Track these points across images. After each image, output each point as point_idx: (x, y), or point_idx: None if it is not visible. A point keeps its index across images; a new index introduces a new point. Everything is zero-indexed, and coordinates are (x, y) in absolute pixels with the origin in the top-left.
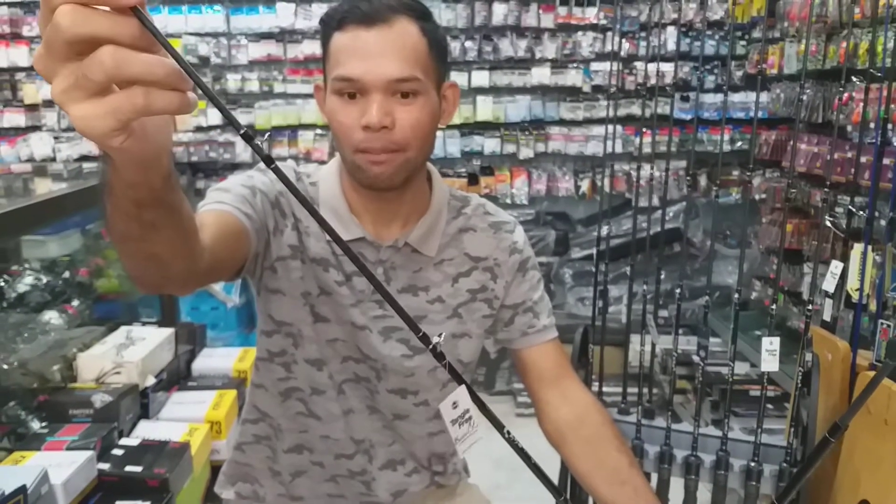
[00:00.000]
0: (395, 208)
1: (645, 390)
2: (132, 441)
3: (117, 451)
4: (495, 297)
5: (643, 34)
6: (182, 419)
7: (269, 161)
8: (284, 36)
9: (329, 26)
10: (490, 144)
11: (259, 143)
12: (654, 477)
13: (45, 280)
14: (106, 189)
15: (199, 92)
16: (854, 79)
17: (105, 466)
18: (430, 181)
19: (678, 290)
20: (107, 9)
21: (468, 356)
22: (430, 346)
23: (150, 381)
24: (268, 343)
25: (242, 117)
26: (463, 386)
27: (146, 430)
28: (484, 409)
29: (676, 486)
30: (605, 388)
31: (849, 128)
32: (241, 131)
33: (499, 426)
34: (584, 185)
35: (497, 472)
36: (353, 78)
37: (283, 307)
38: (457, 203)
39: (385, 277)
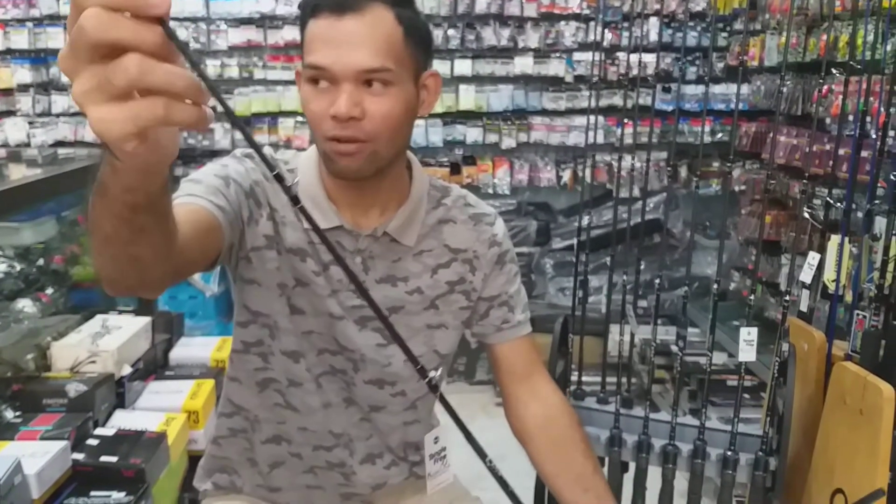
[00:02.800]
0: (372, 196)
1: (624, 380)
2: (107, 431)
3: (92, 441)
4: (473, 289)
5: (626, 24)
6: (159, 409)
7: (287, 190)
8: (265, 21)
9: (305, 12)
10: (472, 134)
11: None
12: (632, 466)
13: (18, 267)
14: (98, 190)
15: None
16: (834, 71)
17: (79, 457)
18: (410, 170)
19: (657, 281)
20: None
21: (445, 348)
22: (427, 380)
23: (126, 370)
24: (243, 334)
25: None
26: (444, 426)
27: (122, 420)
28: (470, 439)
29: (654, 475)
30: (584, 378)
31: (828, 120)
32: (272, 168)
33: (481, 455)
34: (566, 176)
35: (476, 460)
36: (322, 66)
37: (259, 298)
38: (436, 193)
39: (363, 267)
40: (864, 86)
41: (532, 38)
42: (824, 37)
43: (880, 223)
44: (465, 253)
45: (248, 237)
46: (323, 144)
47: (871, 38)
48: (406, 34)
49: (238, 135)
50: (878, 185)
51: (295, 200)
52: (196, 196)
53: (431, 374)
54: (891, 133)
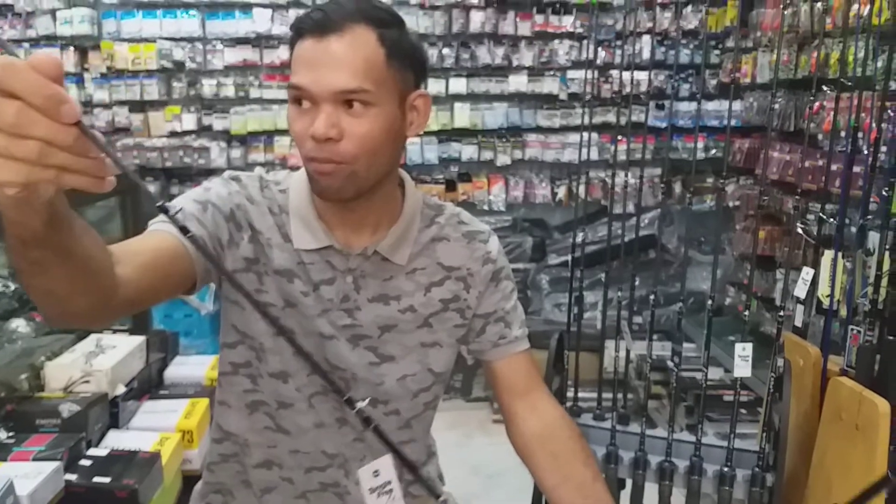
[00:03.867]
0: (362, 215)
1: (620, 396)
2: (101, 451)
3: (85, 462)
4: (468, 306)
5: (619, 43)
6: (153, 428)
7: (184, 231)
8: (261, 41)
9: (293, 34)
10: (468, 151)
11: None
12: (629, 483)
13: (12, 287)
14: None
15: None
16: (825, 88)
17: (72, 477)
18: (403, 189)
19: (652, 297)
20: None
21: (440, 366)
22: (355, 410)
23: (121, 389)
24: (232, 355)
25: (218, 122)
26: (388, 455)
27: (115, 440)
28: (416, 475)
29: (651, 492)
30: (580, 394)
31: (820, 136)
32: (159, 204)
33: (435, 495)
34: (561, 192)
35: (473, 478)
36: (302, 87)
37: (243, 319)
38: (430, 212)
39: (354, 286)
40: (856, 102)
41: (526, 56)
42: (815, 54)
43: (874, 238)
44: (459, 271)
45: (228, 260)
46: (305, 164)
47: (861, 54)
48: (389, 55)
49: (234, 153)
50: (871, 200)
51: (184, 231)
52: (168, 223)
53: (359, 404)
54: (883, 148)
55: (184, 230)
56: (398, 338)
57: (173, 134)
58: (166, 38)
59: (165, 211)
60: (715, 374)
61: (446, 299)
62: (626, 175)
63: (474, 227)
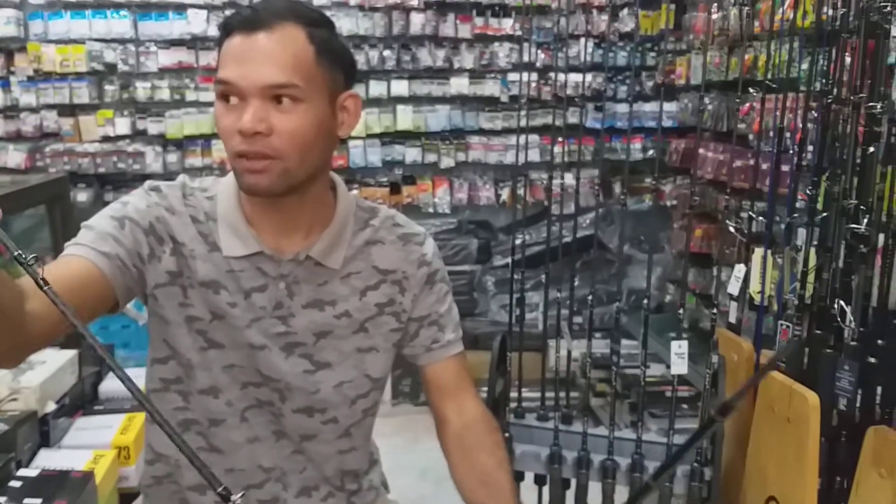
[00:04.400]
0: (293, 219)
1: (563, 395)
2: (31, 472)
3: (15, 483)
4: (403, 310)
5: (558, 45)
6: (86, 446)
7: (41, 284)
8: (196, 43)
9: (222, 32)
10: (411, 154)
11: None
12: (573, 482)
13: None
14: None
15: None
16: (751, 90)
17: (1, 500)
18: (335, 192)
19: (590, 297)
20: None
21: (377, 371)
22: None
23: (51, 406)
24: (162, 370)
25: (153, 126)
26: None
27: (46, 460)
28: None
29: (595, 490)
30: (526, 394)
31: (750, 136)
32: (16, 254)
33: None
34: (505, 194)
35: (422, 483)
36: (230, 81)
37: (170, 334)
38: (364, 214)
39: (287, 292)
40: (781, 103)
41: (467, 59)
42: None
43: (802, 235)
44: (395, 274)
45: (150, 275)
46: (232, 161)
47: (786, 57)
48: (319, 53)
49: (170, 158)
50: (798, 197)
51: (41, 283)
52: (81, 245)
53: (234, 498)
54: (809, 147)
55: (41, 283)
56: (334, 344)
57: (106, 139)
58: (96, 40)
59: (22, 263)
60: (657, 370)
61: (382, 303)
62: (562, 177)
63: (409, 230)
